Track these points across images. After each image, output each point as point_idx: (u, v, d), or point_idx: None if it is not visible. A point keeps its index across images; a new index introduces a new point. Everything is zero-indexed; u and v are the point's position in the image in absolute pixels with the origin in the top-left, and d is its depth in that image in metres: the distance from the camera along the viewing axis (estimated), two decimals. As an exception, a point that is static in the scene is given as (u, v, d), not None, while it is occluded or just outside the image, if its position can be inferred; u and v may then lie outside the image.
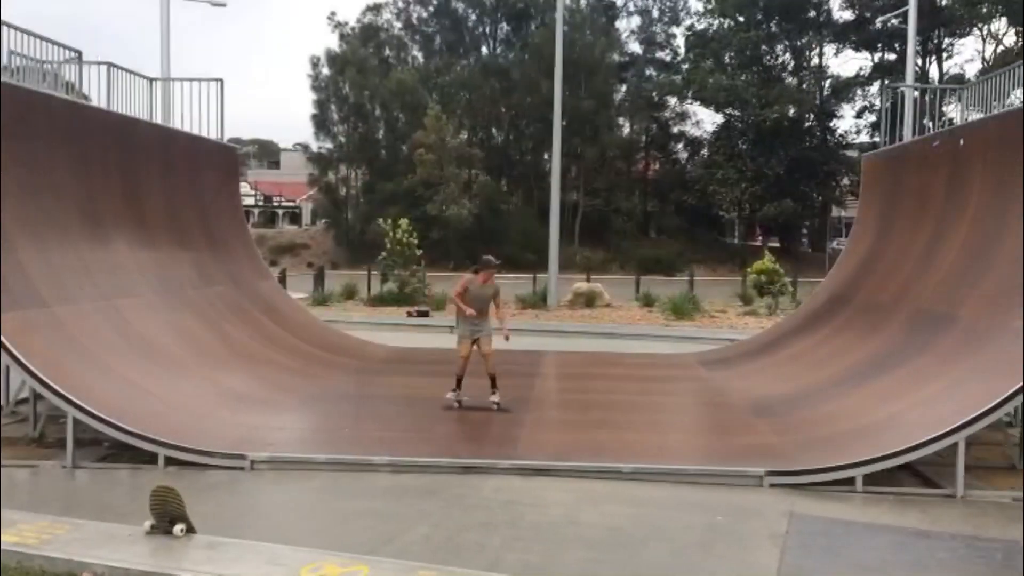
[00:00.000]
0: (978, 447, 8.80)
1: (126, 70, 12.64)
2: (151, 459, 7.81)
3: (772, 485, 7.51)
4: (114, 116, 11.84)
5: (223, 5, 24.25)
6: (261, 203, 70.13)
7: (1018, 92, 12.05)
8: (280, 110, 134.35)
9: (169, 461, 7.78)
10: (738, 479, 7.64)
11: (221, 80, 14.33)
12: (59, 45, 10.98)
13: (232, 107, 40.59)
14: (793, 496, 7.29)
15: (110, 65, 12.10)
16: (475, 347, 10.21)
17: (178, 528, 5.77)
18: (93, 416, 7.73)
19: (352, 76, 47.51)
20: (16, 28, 9.90)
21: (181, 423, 8.45)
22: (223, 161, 15.08)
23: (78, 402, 7.73)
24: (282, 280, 24.43)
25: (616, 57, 51.36)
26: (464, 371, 10.26)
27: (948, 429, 7.33)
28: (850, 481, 7.47)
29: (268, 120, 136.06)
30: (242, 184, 61.13)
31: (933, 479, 7.79)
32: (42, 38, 10.46)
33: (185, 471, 7.64)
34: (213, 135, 14.52)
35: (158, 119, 13.96)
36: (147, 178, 12.00)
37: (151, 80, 13.79)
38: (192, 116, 14.09)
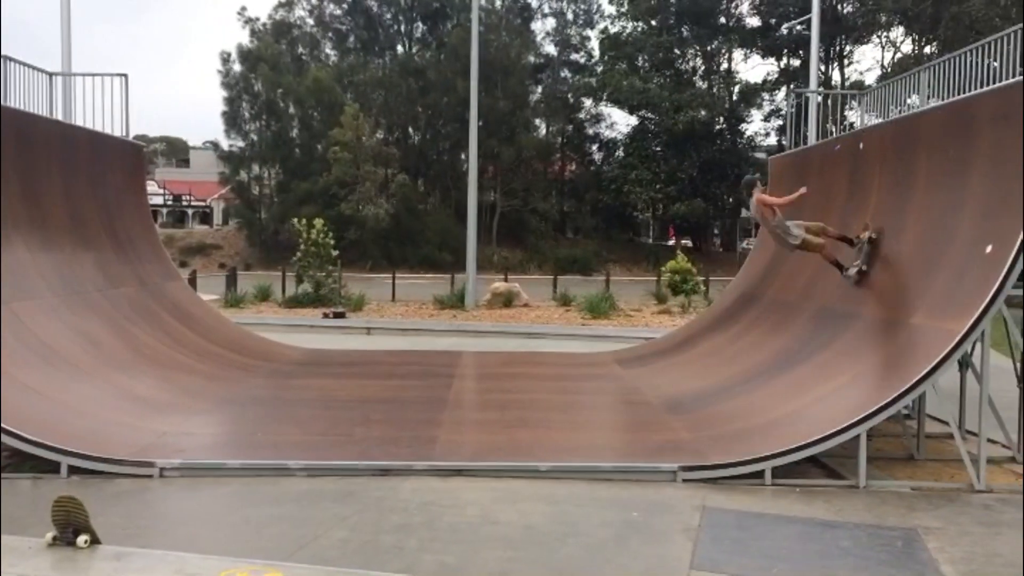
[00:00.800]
0: (879, 439, 9.21)
1: (24, 64, 12.11)
2: (54, 468, 7.51)
3: (685, 480, 7.69)
4: (9, 112, 11.32)
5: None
6: (170, 202, 68.13)
7: (913, 98, 12.60)
8: (189, 107, 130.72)
9: (72, 470, 7.49)
10: (652, 475, 7.79)
11: (125, 76, 13.87)
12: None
13: (138, 104, 39.49)
14: (705, 490, 7.47)
15: (6, 58, 11.57)
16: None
17: (82, 539, 5.56)
18: (-11, 425, 7.37)
19: (265, 73, 46.52)
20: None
21: (85, 430, 8.14)
22: (128, 159, 14.58)
23: (-28, 411, 7.36)
24: (192, 281, 23.76)
25: (532, 59, 51.65)
26: (827, 251, 10.01)
27: (850, 422, 7.63)
28: (760, 474, 7.70)
29: (177, 117, 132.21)
30: (149, 183, 59.24)
31: (838, 471, 8.10)
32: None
33: (90, 480, 7.37)
34: (118, 132, 14.03)
35: (59, 116, 13.40)
36: (46, 177, 11.51)
37: (51, 75, 13.24)
38: (95, 113, 13.61)
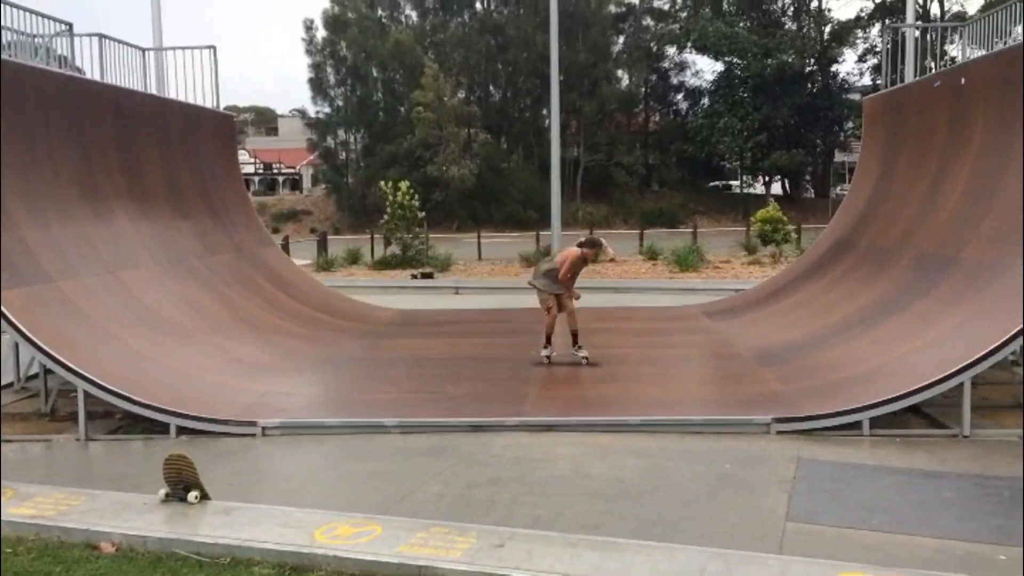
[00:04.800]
0: (984, 387, 8.85)
1: (118, 41, 12.53)
2: (163, 429, 7.89)
3: (779, 432, 7.57)
4: (108, 88, 11.77)
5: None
6: (261, 171, 69.88)
7: (1018, 28, 11.87)
8: (276, 76, 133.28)
9: (181, 430, 7.85)
10: (745, 427, 7.70)
11: (214, 48, 14.23)
12: (49, 18, 10.87)
13: (227, 74, 40.32)
14: (800, 442, 7.34)
15: (101, 36, 11.99)
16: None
17: (192, 495, 5.85)
18: (103, 388, 7.79)
19: (352, 36, 46.87)
20: (5, 2, 9.80)
21: (191, 392, 8.52)
22: (220, 130, 15.01)
23: (88, 375, 7.78)
24: (285, 247, 24.43)
25: (612, 8, 50.57)
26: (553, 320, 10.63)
27: (954, 370, 7.36)
28: (857, 425, 7.52)
29: (265, 87, 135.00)
30: (241, 152, 60.93)
31: (940, 420, 7.84)
32: (32, 12, 10.36)
33: (197, 439, 7.72)
34: (209, 104, 14.43)
35: (153, 89, 13.85)
36: (144, 149, 11.95)
37: (144, 50, 13.67)
38: (187, 85, 14.01)
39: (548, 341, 10.53)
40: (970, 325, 8.17)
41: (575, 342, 10.45)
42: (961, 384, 7.37)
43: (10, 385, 9.76)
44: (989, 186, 9.50)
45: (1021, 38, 10.92)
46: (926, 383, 7.43)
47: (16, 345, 9.04)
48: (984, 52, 12.43)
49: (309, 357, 11.01)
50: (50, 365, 7.95)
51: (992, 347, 7.30)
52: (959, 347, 7.76)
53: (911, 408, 7.75)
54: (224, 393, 8.79)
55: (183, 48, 14.20)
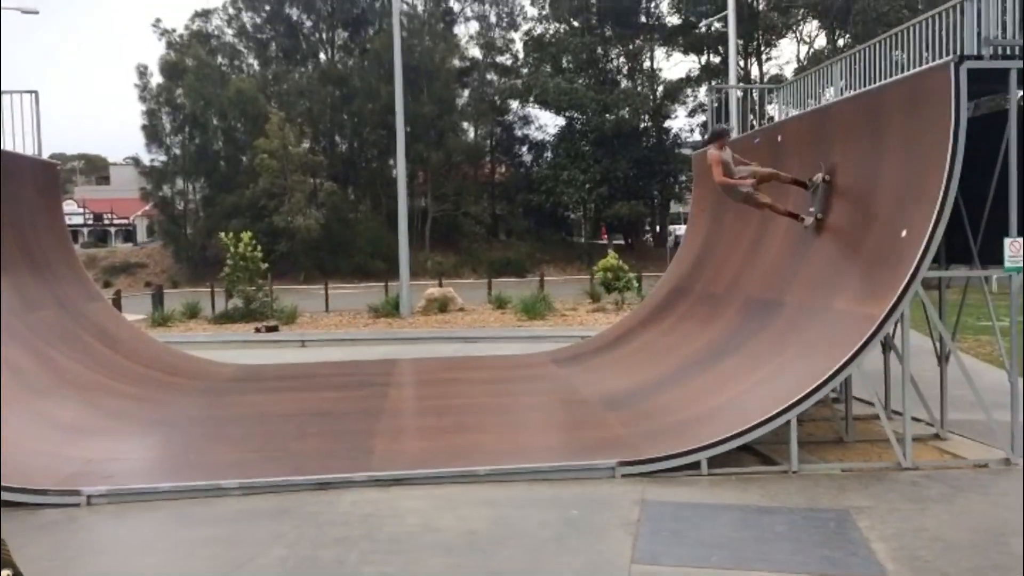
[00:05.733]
0: (809, 423, 9.45)
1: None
2: (-28, 503, 7.20)
3: (624, 475, 7.75)
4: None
5: (35, 13, 22.71)
6: (91, 221, 66.15)
7: (829, 90, 12.94)
8: (108, 124, 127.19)
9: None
10: (591, 472, 7.84)
11: (36, 92, 13.41)
12: None
13: (54, 122, 37.93)
14: (644, 484, 7.54)
15: (-96, 78, 11.09)
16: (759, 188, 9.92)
17: (4, 574, 5.33)
18: (-100, 462, 7.04)
19: (189, 83, 45.41)
20: None
21: (7, 461, 7.82)
22: (42, 178, 14.08)
23: None
24: (116, 302, 23.14)
25: (456, 62, 51.54)
26: (781, 206, 10.06)
27: (780, 409, 7.79)
28: (696, 465, 7.81)
29: (96, 135, 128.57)
30: (68, 202, 57.35)
31: (771, 457, 8.26)
32: None
33: (14, 512, 7.08)
34: (30, 151, 13.55)
35: (-35, 135, 12.88)
36: (-46, 199, 11.06)
37: (-45, 93, 12.73)
38: (5, 132, 13.12)
39: (791, 214, 10.08)
40: (794, 365, 8.70)
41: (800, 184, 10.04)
42: (788, 422, 7.81)
43: None
44: (805, 235, 10.20)
45: (830, 98, 11.89)
46: (756, 422, 7.82)
47: None
48: (798, 111, 13.47)
49: (141, 418, 10.39)
50: None
51: (813, 386, 7.79)
52: (786, 386, 8.24)
53: (745, 447, 8.13)
54: (44, 460, 8.15)
55: (1, 92, 13.32)
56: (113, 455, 8.65)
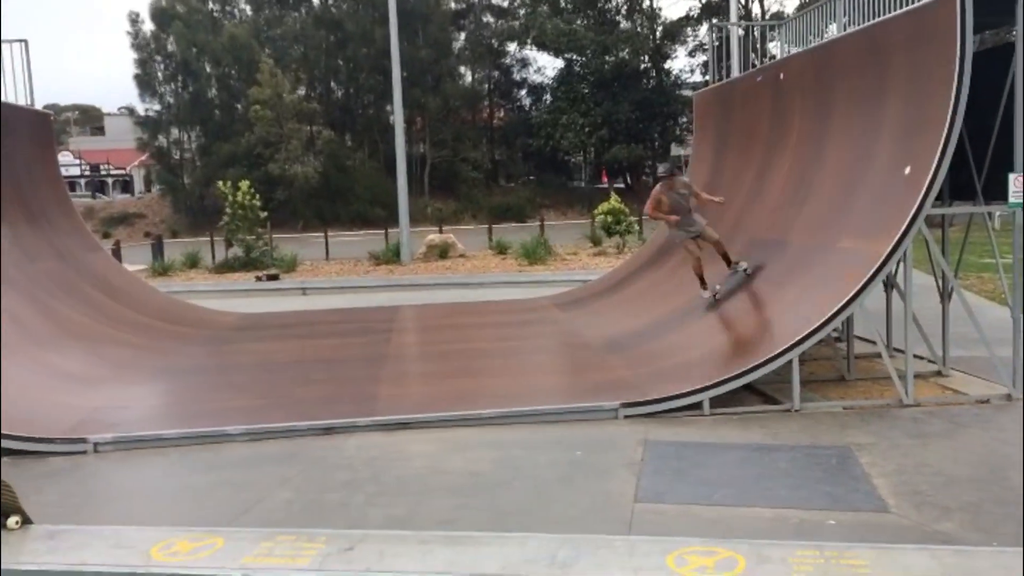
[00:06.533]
0: (811, 362, 9.47)
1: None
2: (-19, 452, 7.26)
3: (627, 417, 7.80)
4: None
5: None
6: (87, 173, 65.68)
7: (831, 27, 12.71)
8: (101, 74, 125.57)
9: (3, 452, 7.24)
10: (594, 414, 7.88)
11: (25, 41, 13.17)
12: None
13: (46, 72, 37.35)
14: (647, 425, 7.59)
15: None
16: (698, 242, 10.21)
17: (12, 520, 5.39)
18: (-93, 413, 7.08)
19: (179, 30, 44.68)
20: None
21: (11, 411, 7.86)
22: (36, 129, 13.92)
23: None
24: (116, 252, 23.09)
25: (452, 4, 50.66)
26: (701, 267, 10.23)
27: (782, 349, 7.80)
28: (698, 406, 7.85)
29: (90, 85, 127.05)
30: (64, 153, 56.81)
31: (774, 396, 8.30)
32: None
33: (21, 460, 7.15)
34: (22, 102, 13.37)
35: (-45, 85, 12.69)
36: (-52, 150, 10.95)
37: (-57, 43, 12.51)
38: (-3, 81, 12.92)
39: (701, 278, 10.34)
40: (797, 305, 8.69)
41: (729, 264, 10.32)
42: (790, 361, 7.82)
43: None
44: (808, 174, 10.12)
45: (833, 35, 11.69)
46: (758, 362, 7.84)
47: None
48: (800, 49, 13.25)
49: (146, 367, 10.43)
50: None
51: (815, 326, 7.79)
52: (788, 326, 8.24)
53: (747, 386, 8.16)
54: (51, 410, 8.19)
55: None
56: (118, 403, 8.70)
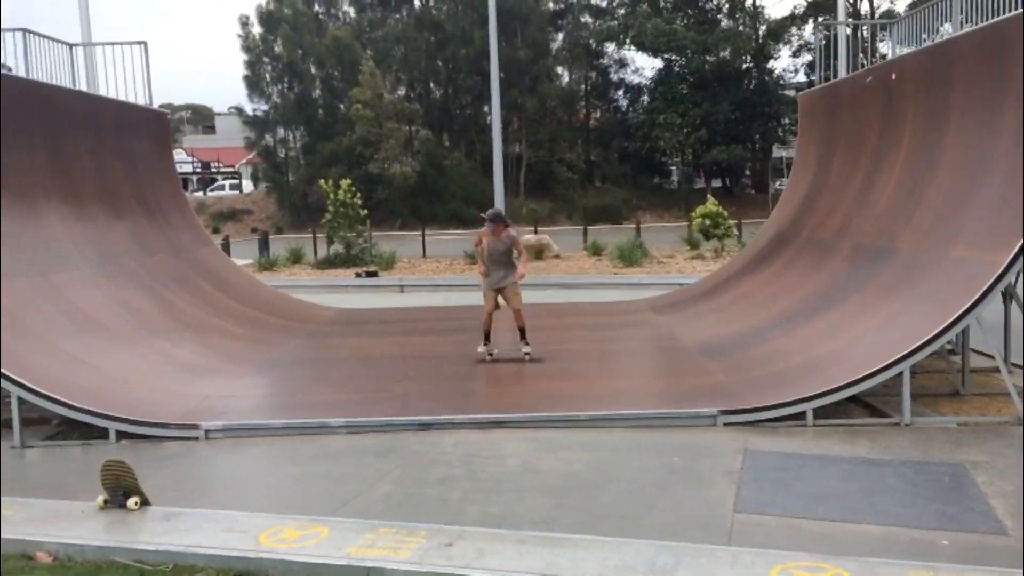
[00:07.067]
0: (923, 375, 9.09)
1: (43, 36, 12.11)
2: (102, 434, 7.66)
3: (726, 424, 7.65)
4: (34, 85, 11.35)
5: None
6: (199, 170, 68.39)
7: (947, 25, 12.20)
8: (213, 74, 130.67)
9: (121, 435, 7.63)
10: (692, 420, 7.77)
11: (144, 43, 13.83)
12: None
13: (163, 73, 39.20)
14: (746, 433, 7.43)
15: (25, 31, 11.57)
16: (500, 299, 10.27)
17: (132, 501, 5.67)
18: (38, 394, 7.53)
19: (285, 33, 46.18)
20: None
21: (130, 396, 8.28)
22: (154, 128, 14.62)
23: (21, 380, 7.51)
24: (225, 247, 23.98)
25: (551, 4, 50.73)
26: (490, 325, 10.28)
27: (893, 360, 7.52)
28: (801, 416, 7.64)
29: (202, 85, 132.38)
30: (178, 151, 59.28)
31: (881, 409, 8.01)
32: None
33: (138, 444, 7.51)
34: (141, 101, 14.04)
35: (82, 86, 13.43)
36: (73, 147, 11.57)
37: (71, 46, 13.24)
38: (118, 82, 13.61)
39: (487, 336, 10.47)
40: (907, 315, 8.36)
41: (522, 336, 10.41)
42: (900, 373, 7.53)
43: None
44: (920, 179, 9.73)
45: (947, 35, 11.21)
46: (867, 373, 7.57)
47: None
48: (912, 48, 12.76)
49: (252, 359, 10.80)
50: (-21, 372, 7.64)
51: (928, 337, 7.48)
52: (897, 337, 7.94)
53: (853, 398, 7.90)
54: (164, 397, 8.57)
55: (112, 44, 13.80)
56: (227, 393, 9.04)
